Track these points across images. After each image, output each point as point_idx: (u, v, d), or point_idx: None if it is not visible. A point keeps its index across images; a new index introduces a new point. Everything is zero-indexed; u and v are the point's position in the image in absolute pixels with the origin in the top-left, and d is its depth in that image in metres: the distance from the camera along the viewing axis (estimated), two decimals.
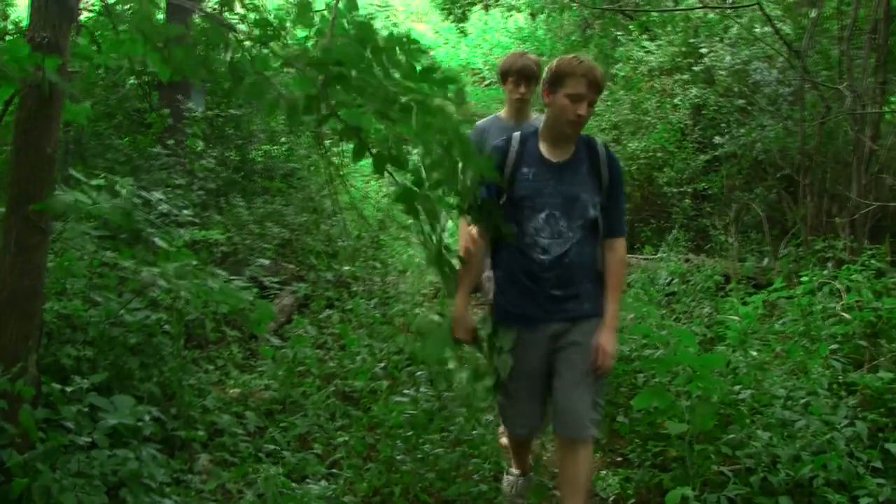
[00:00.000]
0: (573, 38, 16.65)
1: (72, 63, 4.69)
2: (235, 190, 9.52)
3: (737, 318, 6.52)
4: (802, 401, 5.09)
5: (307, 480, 5.02)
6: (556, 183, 4.32)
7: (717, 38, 11.91)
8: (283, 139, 11.11)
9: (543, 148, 4.42)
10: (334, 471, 5.22)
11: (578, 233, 4.31)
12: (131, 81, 10.63)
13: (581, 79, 4.20)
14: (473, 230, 4.44)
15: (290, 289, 8.32)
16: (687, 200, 10.81)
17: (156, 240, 5.74)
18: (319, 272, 8.61)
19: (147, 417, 4.71)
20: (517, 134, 4.52)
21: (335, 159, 10.52)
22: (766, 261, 8.93)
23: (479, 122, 5.81)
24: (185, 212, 6.90)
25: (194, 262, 5.29)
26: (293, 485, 4.78)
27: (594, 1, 13.10)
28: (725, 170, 10.67)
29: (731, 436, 4.87)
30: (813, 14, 9.32)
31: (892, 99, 10.40)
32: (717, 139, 10.68)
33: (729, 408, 5.07)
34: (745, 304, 7.01)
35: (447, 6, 22.52)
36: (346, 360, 6.67)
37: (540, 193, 4.32)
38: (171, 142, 8.70)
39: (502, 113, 5.80)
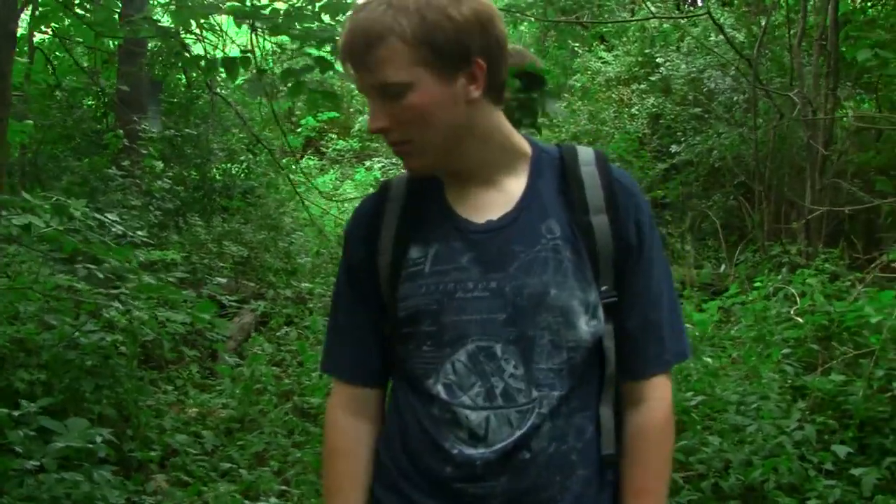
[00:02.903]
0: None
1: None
2: (194, 209, 9.53)
3: (690, 325, 6.56)
4: (754, 405, 5.14)
5: (260, 499, 5.02)
6: (487, 269, 1.97)
7: (674, 48, 12.04)
8: (241, 157, 11.13)
9: (455, 196, 2.06)
10: (285, 489, 5.22)
11: (557, 386, 1.96)
12: (88, 102, 10.65)
13: (344, 59, 1.95)
14: (335, 396, 2.19)
15: (249, 307, 8.33)
16: None
17: (110, 261, 5.73)
18: (278, 289, 8.62)
19: (99, 439, 4.69)
20: (399, 177, 2.15)
21: (293, 176, 10.54)
22: (722, 267, 9.02)
23: None
24: (140, 233, 6.89)
25: (151, 282, 5.33)
26: (246, 502, 4.78)
27: (546, 13, 13.18)
28: (682, 177, 10.77)
29: (684, 442, 4.90)
30: (763, 22, 9.44)
31: (846, 105, 10.56)
32: (673, 148, 10.79)
33: (682, 414, 5.10)
34: (701, 310, 7.07)
35: None
36: (303, 376, 6.68)
37: (449, 302, 1.97)
38: (126, 163, 8.68)
39: None
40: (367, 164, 16.81)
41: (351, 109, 18.28)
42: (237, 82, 7.31)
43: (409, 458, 2.02)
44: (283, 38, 6.80)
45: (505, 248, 1.96)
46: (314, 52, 5.15)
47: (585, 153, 2.06)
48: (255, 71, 5.49)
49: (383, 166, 16.39)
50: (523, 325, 1.92)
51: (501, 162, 2.02)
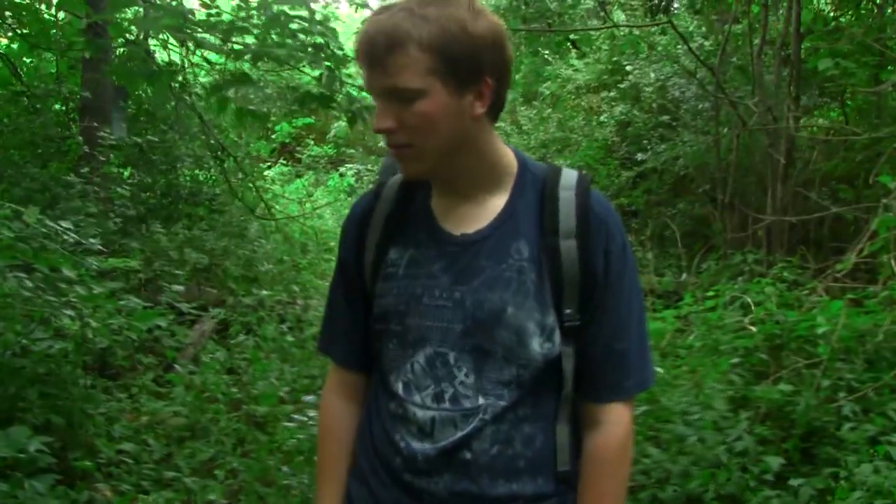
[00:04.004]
0: None
1: None
2: (159, 216, 9.51)
3: None
4: (697, 416, 5.13)
5: None
6: (454, 280, 2.07)
7: (643, 56, 12.07)
8: (207, 164, 11.10)
9: (439, 206, 2.16)
10: (221, 500, 5.19)
11: (504, 397, 2.04)
12: (57, 106, 10.60)
13: (360, 58, 1.98)
14: (330, 379, 2.38)
15: (209, 314, 8.29)
16: None
17: (63, 270, 5.70)
18: (240, 297, 8.59)
19: (33, 448, 4.65)
20: (394, 179, 2.25)
21: (259, 182, 10.53)
22: (683, 276, 9.03)
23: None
24: (92, 240, 6.85)
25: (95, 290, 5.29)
26: None
27: (509, 22, 13.20)
28: (646, 185, 10.80)
29: None
30: (725, 30, 9.46)
31: (816, 114, 10.60)
32: (639, 156, 10.82)
33: None
34: (658, 319, 7.06)
35: None
36: (252, 385, 6.65)
37: (416, 306, 2.09)
38: (85, 170, 8.63)
39: None
40: (341, 170, 16.81)
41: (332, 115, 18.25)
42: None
43: (374, 449, 2.17)
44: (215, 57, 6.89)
45: (473, 262, 2.06)
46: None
47: (568, 176, 2.11)
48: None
49: (357, 173, 16.39)
50: (479, 338, 2.03)
51: (488, 178, 2.10)
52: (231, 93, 5.85)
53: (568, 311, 2.04)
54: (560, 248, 2.03)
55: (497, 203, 2.10)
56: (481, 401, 2.02)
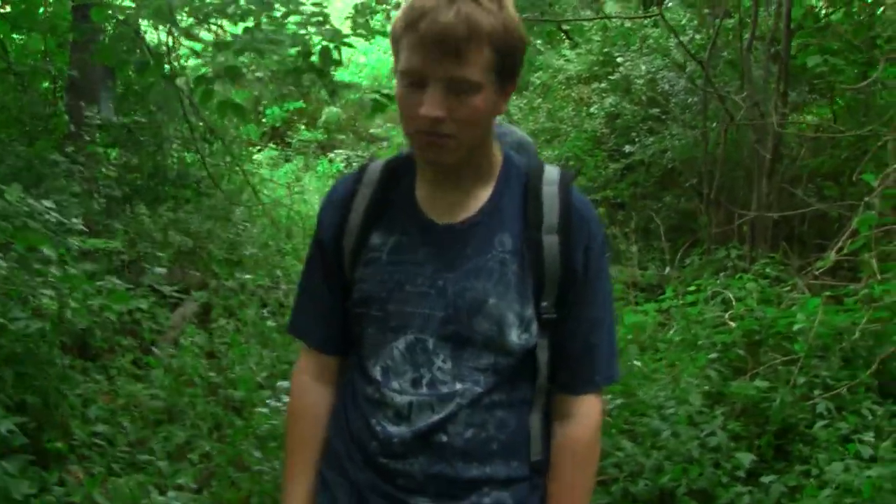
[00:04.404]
0: None
1: None
2: (146, 198, 9.48)
3: (619, 327, 6.57)
4: (671, 410, 5.14)
5: (172, 491, 4.99)
6: (438, 269, 2.10)
7: (635, 48, 12.06)
8: (195, 146, 11.07)
9: (423, 193, 2.17)
10: (192, 484, 5.18)
11: (481, 383, 2.08)
12: (45, 85, 10.55)
13: (412, 34, 1.94)
14: (302, 361, 2.36)
15: (191, 297, 8.28)
16: (602, 208, 10.91)
17: (43, 249, 5.68)
18: (223, 280, 8.57)
19: (4, 429, 4.63)
20: (376, 163, 2.26)
21: (247, 166, 10.51)
22: (667, 269, 9.03)
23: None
24: (75, 220, 6.83)
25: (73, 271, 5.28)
26: (153, 494, 4.74)
27: None
28: (633, 178, 10.80)
29: None
30: (717, 24, 9.44)
31: (807, 110, 10.59)
32: (627, 148, 10.81)
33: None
34: (640, 312, 7.07)
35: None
36: (230, 369, 6.65)
37: (398, 292, 2.12)
38: (70, 149, 8.60)
39: None
40: (330, 155, 16.77)
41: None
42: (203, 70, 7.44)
43: (349, 433, 2.18)
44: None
45: (458, 251, 2.10)
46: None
47: (551, 172, 2.17)
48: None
49: (346, 158, 16.36)
50: (459, 326, 2.07)
51: (480, 169, 2.14)
52: (217, 84, 5.85)
53: (545, 303, 2.08)
54: (543, 243, 2.07)
55: (482, 194, 2.13)
56: (458, 386, 2.06)
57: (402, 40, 1.97)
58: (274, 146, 16.59)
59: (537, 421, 2.15)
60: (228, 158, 10.76)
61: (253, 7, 5.32)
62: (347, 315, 2.21)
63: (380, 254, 2.13)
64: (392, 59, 2.09)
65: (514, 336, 2.06)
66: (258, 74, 12.18)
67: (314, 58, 5.90)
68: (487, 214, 2.11)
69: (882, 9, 9.15)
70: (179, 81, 9.81)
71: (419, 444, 2.07)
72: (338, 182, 2.30)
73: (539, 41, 14.27)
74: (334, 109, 17.93)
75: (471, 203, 2.12)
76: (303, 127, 18.22)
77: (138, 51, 9.06)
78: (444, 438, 2.07)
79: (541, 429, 2.16)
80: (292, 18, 5.75)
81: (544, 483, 2.16)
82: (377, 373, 2.12)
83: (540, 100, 12.71)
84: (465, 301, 2.06)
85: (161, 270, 7.80)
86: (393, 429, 2.08)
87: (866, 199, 6.49)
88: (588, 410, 2.16)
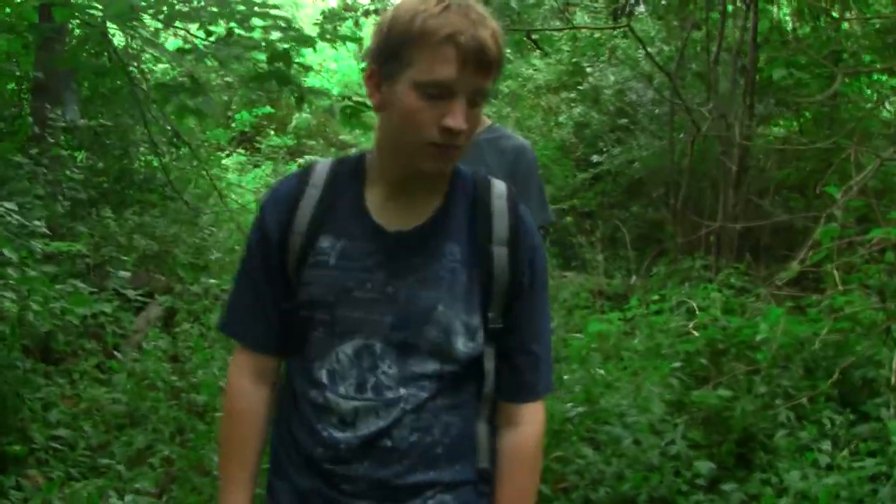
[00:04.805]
0: None
1: None
2: (112, 201, 9.43)
3: (579, 334, 6.59)
4: (633, 418, 5.15)
5: (130, 495, 4.95)
6: (387, 275, 2.09)
7: (604, 58, 12.12)
8: (162, 150, 11.01)
9: (373, 199, 2.16)
10: (152, 489, 5.15)
11: (426, 389, 2.09)
12: (11, 87, 10.47)
13: (447, 47, 1.92)
14: (238, 361, 2.29)
15: (155, 301, 8.24)
16: (569, 217, 10.94)
17: (4, 251, 5.64)
18: (188, 285, 8.54)
19: None
20: (322, 164, 2.21)
21: (214, 171, 10.46)
22: (633, 279, 9.06)
23: None
24: (37, 222, 6.78)
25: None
26: (112, 499, 4.71)
27: None
28: (601, 187, 10.84)
29: (559, 453, 4.90)
30: (685, 36, 9.51)
31: (774, 123, 10.67)
32: (595, 157, 10.86)
33: (560, 424, 5.10)
34: (604, 321, 7.08)
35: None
36: (192, 374, 6.61)
37: (346, 297, 2.09)
38: (34, 151, 8.53)
39: None
40: (300, 161, 16.72)
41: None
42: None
43: (292, 438, 2.16)
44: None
45: (408, 258, 2.10)
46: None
47: (498, 186, 2.19)
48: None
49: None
50: (406, 332, 2.07)
51: (434, 178, 2.13)
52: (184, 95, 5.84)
53: (492, 314, 2.11)
54: (493, 254, 2.10)
55: (432, 202, 2.14)
56: (402, 391, 2.07)
57: (423, 51, 1.94)
58: (243, 151, 16.52)
59: (483, 429, 2.18)
60: (195, 163, 10.70)
61: (215, 9, 5.29)
62: (285, 315, 2.18)
63: (327, 257, 2.11)
64: (375, 68, 2.07)
65: (461, 344, 2.08)
66: (227, 79, 12.13)
67: (279, 64, 5.88)
68: (437, 223, 2.13)
69: (847, 24, 9.24)
70: (145, 86, 9.79)
71: (365, 449, 2.07)
72: (282, 180, 2.26)
73: (508, 50, 14.32)
74: (305, 115, 17.86)
75: (420, 210, 2.13)
76: (273, 132, 18.15)
77: (105, 53, 9.03)
78: (389, 443, 2.07)
79: (487, 438, 2.18)
80: (258, 22, 5.73)
81: (491, 491, 2.19)
82: (323, 376, 2.11)
83: (509, 109, 12.73)
84: (417, 308, 2.07)
85: (126, 274, 7.77)
86: (339, 434, 2.08)
87: (828, 211, 6.54)
88: (532, 418, 2.20)
